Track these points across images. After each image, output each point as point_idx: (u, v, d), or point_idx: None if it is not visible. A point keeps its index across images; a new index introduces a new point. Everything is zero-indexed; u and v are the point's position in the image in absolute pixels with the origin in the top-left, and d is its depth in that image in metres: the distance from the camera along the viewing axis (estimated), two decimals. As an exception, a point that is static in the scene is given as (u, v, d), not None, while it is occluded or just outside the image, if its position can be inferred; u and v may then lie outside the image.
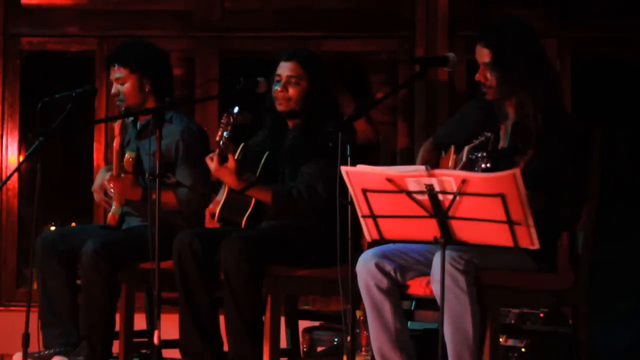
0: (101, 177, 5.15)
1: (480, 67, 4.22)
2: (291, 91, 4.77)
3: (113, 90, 5.15)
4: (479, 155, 3.91)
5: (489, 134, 4.02)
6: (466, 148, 4.05)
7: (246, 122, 4.59)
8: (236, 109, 4.55)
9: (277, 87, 4.78)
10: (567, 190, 4.30)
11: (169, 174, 5.02)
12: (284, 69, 4.79)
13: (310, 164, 4.70)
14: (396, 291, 4.17)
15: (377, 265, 4.15)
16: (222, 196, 4.80)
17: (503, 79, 4.18)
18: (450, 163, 4.32)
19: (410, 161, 4.64)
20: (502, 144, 4.26)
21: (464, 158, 4.04)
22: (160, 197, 4.40)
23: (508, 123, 4.28)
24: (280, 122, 4.87)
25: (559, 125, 4.17)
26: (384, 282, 4.15)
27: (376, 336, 4.18)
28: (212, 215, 4.82)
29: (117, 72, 5.12)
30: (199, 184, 5.03)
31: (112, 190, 5.04)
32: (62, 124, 4.79)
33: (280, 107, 4.79)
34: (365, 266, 4.16)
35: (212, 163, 4.64)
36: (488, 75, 4.21)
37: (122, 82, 5.12)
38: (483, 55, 4.21)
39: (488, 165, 3.85)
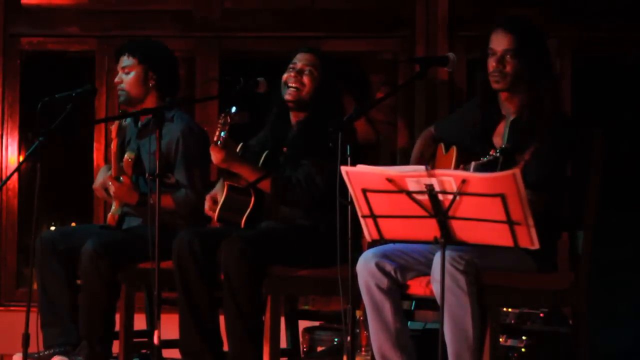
0: (102, 176, 5.15)
1: (497, 55, 4.22)
2: (305, 79, 4.78)
3: (116, 79, 5.14)
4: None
5: (497, 154, 4.01)
6: (473, 163, 4.04)
7: (243, 121, 4.59)
8: (234, 109, 4.54)
9: (291, 73, 4.78)
10: (567, 190, 4.30)
11: (168, 174, 5.02)
12: (301, 58, 4.81)
13: (310, 157, 4.70)
14: (396, 291, 4.17)
15: (378, 265, 4.15)
16: (221, 195, 4.78)
17: (521, 69, 4.19)
18: (453, 167, 4.32)
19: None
20: (501, 141, 4.26)
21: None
22: (160, 198, 4.40)
23: (507, 120, 4.29)
24: (283, 117, 4.87)
25: (559, 126, 4.18)
26: (384, 282, 4.15)
27: (376, 336, 4.18)
28: (214, 201, 4.78)
29: (126, 60, 5.12)
30: (196, 184, 5.03)
31: (112, 188, 5.03)
32: (62, 124, 4.79)
33: (289, 96, 4.77)
34: (366, 266, 4.16)
35: (216, 154, 4.61)
36: (507, 61, 4.21)
37: (127, 71, 5.12)
38: (504, 41, 4.21)
39: None
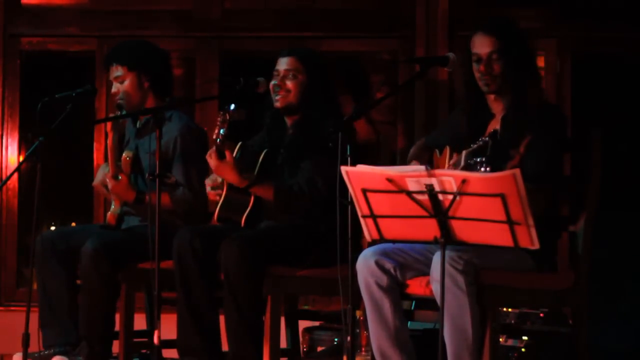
0: (102, 173, 5.15)
1: (483, 58, 4.23)
2: (289, 84, 4.77)
3: (113, 89, 5.16)
4: (478, 160, 3.92)
5: (486, 139, 4.02)
6: (464, 152, 4.06)
7: (242, 118, 4.59)
8: (232, 107, 4.55)
9: (275, 81, 4.78)
10: (566, 190, 4.31)
11: (168, 173, 5.01)
12: (282, 63, 4.80)
13: (309, 160, 4.70)
14: (396, 289, 4.17)
15: (377, 263, 4.15)
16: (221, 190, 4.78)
17: (507, 69, 4.21)
18: (447, 165, 4.32)
19: (410, 161, 4.65)
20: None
21: (462, 162, 4.04)
22: (160, 198, 4.40)
23: (496, 119, 4.30)
24: (278, 120, 4.87)
25: (551, 119, 4.20)
26: (384, 280, 4.15)
27: (376, 334, 4.18)
28: (214, 180, 4.77)
29: (116, 71, 5.13)
30: (194, 183, 5.03)
31: (109, 185, 5.03)
32: (62, 124, 4.79)
33: (277, 103, 4.78)
34: (365, 264, 4.16)
35: (212, 160, 4.63)
36: (494, 63, 4.23)
37: (121, 81, 5.13)
38: (487, 44, 4.23)
39: (487, 169, 3.85)
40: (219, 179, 4.76)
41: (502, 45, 4.22)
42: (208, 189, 4.79)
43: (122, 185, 4.98)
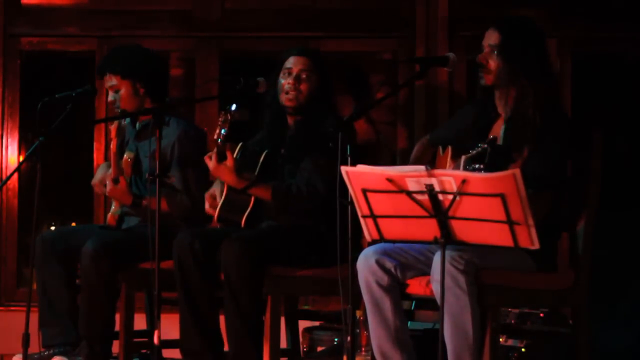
0: (102, 172, 5.15)
1: (485, 50, 4.24)
2: (302, 85, 4.78)
3: (109, 98, 5.16)
4: (476, 166, 3.92)
5: (485, 145, 4.02)
6: (463, 158, 4.05)
7: (243, 118, 4.60)
8: (234, 107, 4.56)
9: (289, 80, 4.77)
10: (567, 191, 4.30)
11: (168, 174, 5.01)
12: (296, 63, 4.80)
13: (309, 160, 4.71)
14: (396, 288, 4.17)
15: (378, 262, 4.15)
16: (220, 196, 4.79)
17: (504, 66, 4.21)
18: (448, 166, 4.32)
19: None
20: (498, 140, 4.27)
21: (461, 169, 4.04)
22: (160, 197, 4.40)
23: (502, 119, 4.30)
24: (279, 119, 4.87)
25: (557, 125, 4.18)
26: (385, 279, 4.15)
27: (376, 333, 4.18)
28: (213, 197, 4.78)
29: (110, 81, 5.13)
30: (191, 188, 5.02)
31: (107, 187, 5.04)
32: (62, 124, 4.79)
33: (289, 102, 4.78)
34: (366, 263, 4.16)
35: (210, 162, 4.64)
36: (490, 59, 4.23)
37: (116, 89, 5.12)
38: (492, 38, 4.24)
39: None
40: (217, 199, 4.76)
41: (503, 41, 4.22)
42: (207, 205, 4.79)
43: (120, 189, 4.98)
